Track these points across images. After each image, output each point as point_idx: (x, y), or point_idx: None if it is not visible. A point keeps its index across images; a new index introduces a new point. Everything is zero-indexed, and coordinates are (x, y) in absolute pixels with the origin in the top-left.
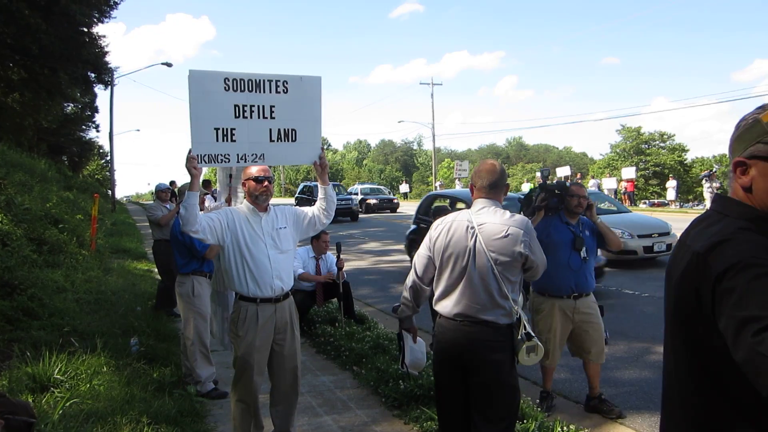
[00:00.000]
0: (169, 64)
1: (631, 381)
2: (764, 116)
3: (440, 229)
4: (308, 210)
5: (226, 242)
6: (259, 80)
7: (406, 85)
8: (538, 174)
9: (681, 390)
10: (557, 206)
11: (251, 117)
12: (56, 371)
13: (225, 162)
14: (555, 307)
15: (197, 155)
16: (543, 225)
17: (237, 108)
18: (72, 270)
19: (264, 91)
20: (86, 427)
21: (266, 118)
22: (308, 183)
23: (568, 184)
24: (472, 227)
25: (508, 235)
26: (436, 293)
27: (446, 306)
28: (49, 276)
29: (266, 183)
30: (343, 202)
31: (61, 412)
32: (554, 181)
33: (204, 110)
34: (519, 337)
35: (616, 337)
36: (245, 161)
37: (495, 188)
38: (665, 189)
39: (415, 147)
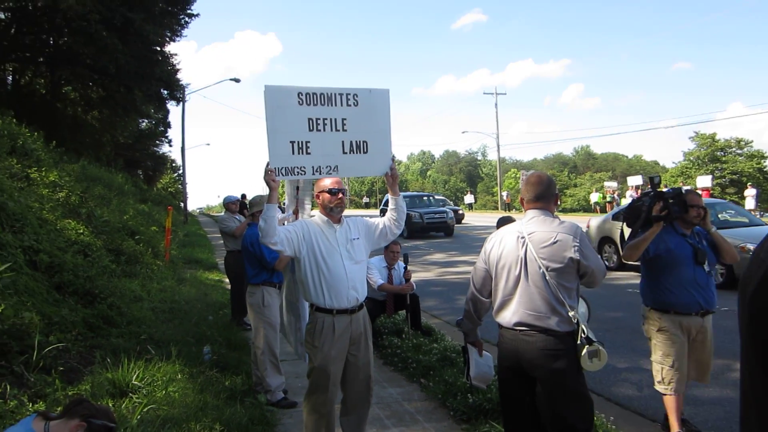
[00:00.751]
0: (237, 80)
1: (712, 400)
2: None
3: (493, 241)
4: (379, 221)
5: (302, 254)
6: (331, 94)
7: (469, 95)
8: (606, 184)
9: (758, 413)
10: (678, 215)
11: (324, 130)
12: (134, 377)
13: (301, 174)
14: (682, 326)
15: (274, 168)
16: (657, 238)
17: (311, 121)
18: (147, 280)
19: (335, 105)
20: None
21: (338, 130)
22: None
23: (683, 190)
24: (522, 237)
25: (557, 241)
26: (495, 305)
27: (505, 316)
28: (127, 285)
29: (340, 195)
30: (437, 216)
31: (139, 417)
32: (667, 189)
33: (279, 124)
34: (579, 341)
35: None
36: (320, 173)
37: (543, 199)
38: (743, 198)
39: (479, 157)
